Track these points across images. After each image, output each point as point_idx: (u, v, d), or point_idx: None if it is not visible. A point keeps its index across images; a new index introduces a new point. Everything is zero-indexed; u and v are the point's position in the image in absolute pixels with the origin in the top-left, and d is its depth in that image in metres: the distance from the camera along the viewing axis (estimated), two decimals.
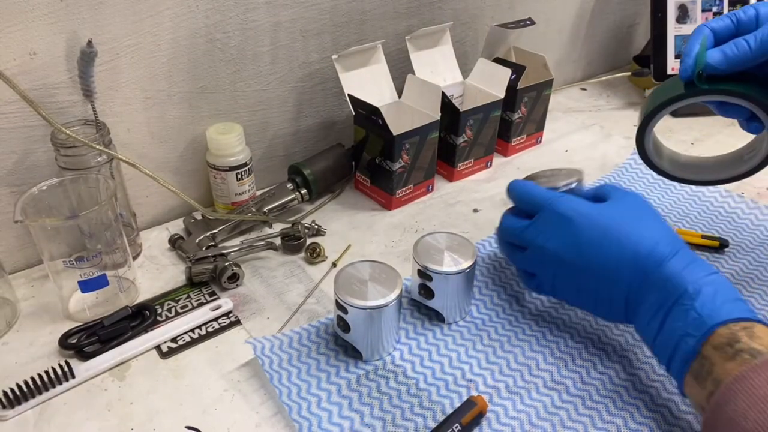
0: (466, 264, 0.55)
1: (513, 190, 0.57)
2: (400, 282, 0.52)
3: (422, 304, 0.59)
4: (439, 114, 0.73)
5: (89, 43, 0.54)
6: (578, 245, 0.50)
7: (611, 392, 0.51)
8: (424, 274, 0.55)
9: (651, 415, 0.49)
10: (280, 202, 0.72)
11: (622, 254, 0.48)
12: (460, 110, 0.75)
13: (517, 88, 0.81)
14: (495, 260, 0.66)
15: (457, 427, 0.46)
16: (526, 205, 0.55)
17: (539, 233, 0.53)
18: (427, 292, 0.56)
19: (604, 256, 0.49)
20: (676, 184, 0.79)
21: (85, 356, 0.53)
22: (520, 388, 0.51)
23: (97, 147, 0.57)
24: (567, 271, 0.51)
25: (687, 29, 1.00)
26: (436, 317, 0.58)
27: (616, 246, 0.48)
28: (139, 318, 0.57)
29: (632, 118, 0.99)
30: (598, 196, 0.54)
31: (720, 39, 0.50)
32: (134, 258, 0.66)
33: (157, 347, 0.55)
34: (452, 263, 0.55)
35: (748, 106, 0.50)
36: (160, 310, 0.59)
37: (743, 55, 0.47)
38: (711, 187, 0.77)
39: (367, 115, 0.71)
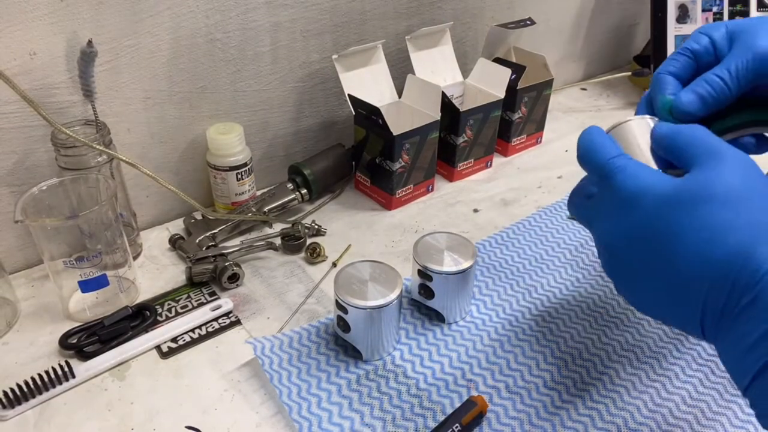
0: (466, 264, 0.55)
1: (580, 141, 0.41)
2: (400, 282, 0.52)
3: (422, 304, 0.59)
4: (439, 114, 0.73)
5: (89, 43, 0.54)
6: (637, 242, 0.36)
7: (611, 392, 0.51)
8: (424, 274, 0.55)
9: (651, 415, 0.49)
10: (280, 202, 0.72)
11: (702, 266, 0.34)
12: (460, 110, 0.75)
13: (518, 88, 0.81)
14: (495, 260, 0.66)
15: (457, 427, 0.46)
16: (590, 170, 0.41)
17: (596, 210, 0.40)
18: (427, 292, 0.56)
19: (672, 264, 0.35)
20: None
21: (86, 356, 0.53)
22: (521, 388, 0.51)
23: (98, 147, 0.57)
24: (621, 267, 0.38)
25: (687, 29, 1.00)
26: (436, 317, 0.58)
27: (693, 253, 0.34)
28: (139, 318, 0.57)
29: None
30: (684, 156, 0.37)
31: (684, 80, 0.43)
32: (134, 258, 0.66)
33: (158, 347, 0.55)
34: (452, 263, 0.55)
35: (759, 131, 0.43)
36: (160, 310, 0.59)
37: (721, 93, 0.41)
38: None
39: (368, 115, 0.71)
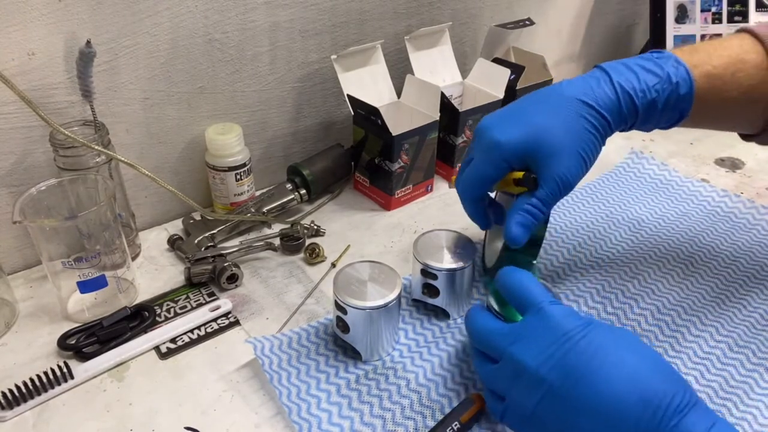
0: (468, 260, 0.55)
1: (500, 278, 0.47)
2: (400, 282, 0.52)
3: (422, 304, 0.59)
4: (439, 114, 0.73)
5: (88, 43, 0.54)
6: (576, 370, 0.39)
7: None
8: (427, 273, 0.55)
9: None
10: (279, 202, 0.72)
11: (630, 395, 0.37)
12: (460, 110, 0.75)
13: (517, 88, 0.81)
14: None
15: (456, 425, 0.46)
16: (513, 300, 0.46)
17: (521, 343, 0.42)
18: (431, 290, 0.56)
19: (608, 390, 0.38)
20: (673, 182, 0.79)
21: (84, 357, 0.53)
22: None
23: (96, 147, 0.57)
24: (552, 400, 0.39)
25: (686, 29, 1.01)
26: (435, 316, 0.58)
27: (625, 382, 0.38)
28: (138, 318, 0.57)
29: None
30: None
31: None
32: (133, 258, 0.66)
33: (156, 348, 0.55)
34: (454, 260, 0.55)
35: None
36: (159, 311, 0.59)
37: (540, 218, 0.49)
38: (708, 187, 0.77)
39: (367, 115, 0.71)
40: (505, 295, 0.47)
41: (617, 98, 0.49)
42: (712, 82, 0.51)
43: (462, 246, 0.57)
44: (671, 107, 0.51)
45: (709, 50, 0.52)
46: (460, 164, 0.59)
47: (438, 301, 0.57)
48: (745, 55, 0.52)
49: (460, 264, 0.55)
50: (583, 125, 0.49)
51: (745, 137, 0.58)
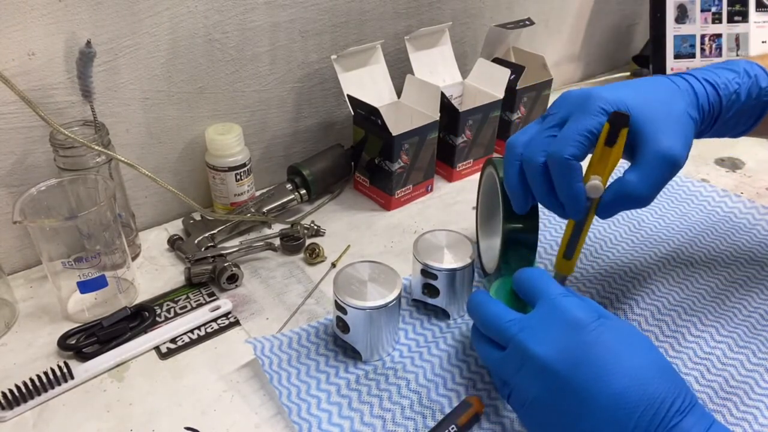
0: (467, 260, 0.55)
1: (516, 276, 0.47)
2: (400, 282, 0.52)
3: (422, 304, 0.59)
4: (439, 114, 0.73)
5: (88, 43, 0.54)
6: (583, 363, 0.39)
7: None
8: (427, 273, 0.55)
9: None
10: (280, 202, 0.72)
11: (634, 393, 0.37)
12: (460, 110, 0.75)
13: (517, 88, 0.81)
14: None
15: (453, 428, 0.46)
16: (525, 293, 0.46)
17: (530, 330, 0.42)
18: (431, 290, 0.56)
19: (613, 386, 0.38)
20: (673, 183, 0.79)
21: (84, 357, 0.53)
22: None
23: (96, 147, 0.57)
24: (556, 390, 0.39)
25: (686, 29, 1.01)
26: (435, 316, 0.58)
27: (631, 380, 0.38)
28: (138, 319, 0.57)
29: None
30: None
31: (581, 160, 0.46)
32: (133, 259, 0.66)
33: (156, 348, 0.55)
34: (454, 260, 0.55)
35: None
36: (159, 311, 0.59)
37: (637, 196, 0.45)
38: (708, 187, 0.77)
39: (367, 115, 0.71)
40: (518, 289, 0.47)
41: (703, 89, 0.49)
42: None
43: (462, 246, 0.57)
44: (754, 100, 0.50)
45: None
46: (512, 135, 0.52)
47: (438, 301, 0.57)
48: None
49: (460, 264, 0.55)
50: (684, 108, 0.46)
51: None
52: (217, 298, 0.61)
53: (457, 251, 0.56)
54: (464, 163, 0.81)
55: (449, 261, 0.55)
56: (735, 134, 0.54)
